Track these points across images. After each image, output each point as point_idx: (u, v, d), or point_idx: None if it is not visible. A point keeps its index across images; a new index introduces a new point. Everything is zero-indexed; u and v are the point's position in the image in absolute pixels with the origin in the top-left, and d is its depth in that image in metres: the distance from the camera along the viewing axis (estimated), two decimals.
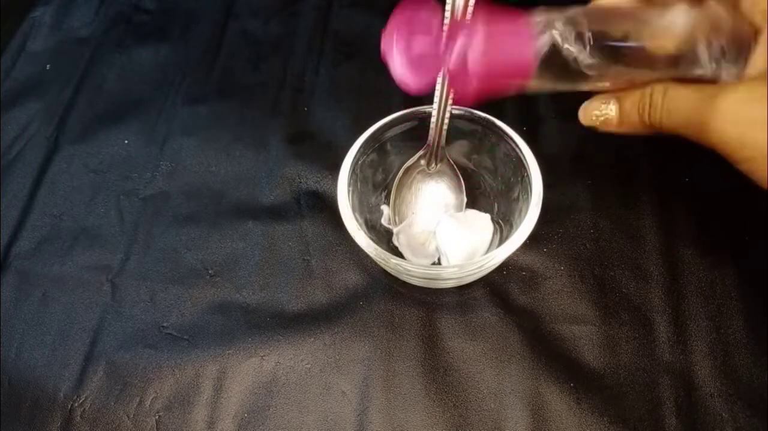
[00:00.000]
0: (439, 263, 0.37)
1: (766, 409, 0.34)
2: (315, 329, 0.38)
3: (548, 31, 0.25)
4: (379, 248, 0.31)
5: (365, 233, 0.31)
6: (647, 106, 0.26)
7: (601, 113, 0.28)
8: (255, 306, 0.39)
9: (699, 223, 0.39)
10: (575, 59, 0.25)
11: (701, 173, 0.41)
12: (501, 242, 0.36)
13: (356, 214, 0.32)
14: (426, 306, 0.37)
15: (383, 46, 0.26)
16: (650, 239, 0.39)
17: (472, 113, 0.34)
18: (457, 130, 0.36)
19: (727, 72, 0.25)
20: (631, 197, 0.41)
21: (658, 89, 0.26)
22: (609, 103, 0.28)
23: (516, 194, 0.35)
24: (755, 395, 0.34)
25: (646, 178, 0.41)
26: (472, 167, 0.39)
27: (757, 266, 0.37)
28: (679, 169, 0.41)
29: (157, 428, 0.35)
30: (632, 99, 0.27)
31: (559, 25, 0.25)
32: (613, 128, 0.28)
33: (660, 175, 0.41)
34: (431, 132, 0.34)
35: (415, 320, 0.37)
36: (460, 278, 0.33)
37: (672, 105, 0.25)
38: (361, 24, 0.50)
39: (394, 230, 0.37)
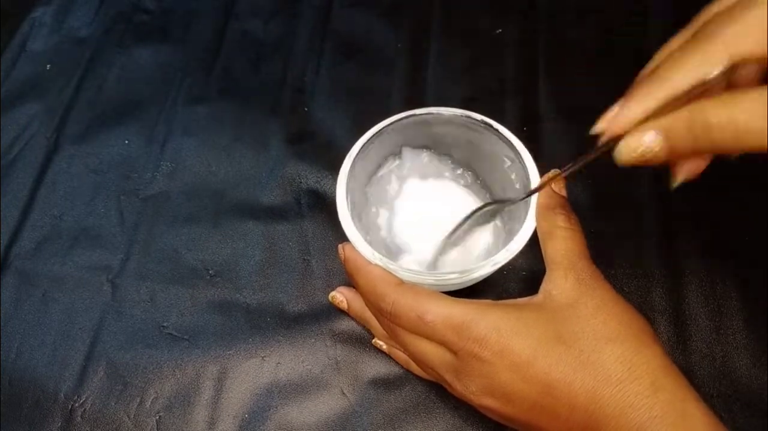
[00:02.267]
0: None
1: (765, 410, 0.34)
2: (315, 329, 0.38)
3: None
4: (379, 254, 0.31)
5: (364, 237, 0.31)
6: (707, 131, 0.23)
7: (644, 148, 0.25)
8: (255, 306, 0.39)
9: (699, 223, 0.39)
10: None
11: (701, 173, 0.41)
12: (500, 245, 0.36)
13: (355, 219, 0.32)
14: None
15: None
16: (650, 239, 0.39)
17: (470, 115, 0.34)
18: (456, 132, 0.36)
19: None
20: (631, 197, 0.41)
21: (714, 110, 0.23)
22: (651, 134, 0.24)
23: (515, 197, 0.34)
24: (754, 396, 0.34)
25: (646, 178, 0.41)
26: (472, 169, 0.39)
27: (757, 266, 0.38)
28: None
29: (157, 428, 0.35)
30: (678, 125, 0.24)
31: None
32: (660, 161, 0.25)
33: (660, 175, 0.41)
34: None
35: None
36: (460, 284, 0.33)
37: (753, 123, 0.22)
38: (361, 24, 0.50)
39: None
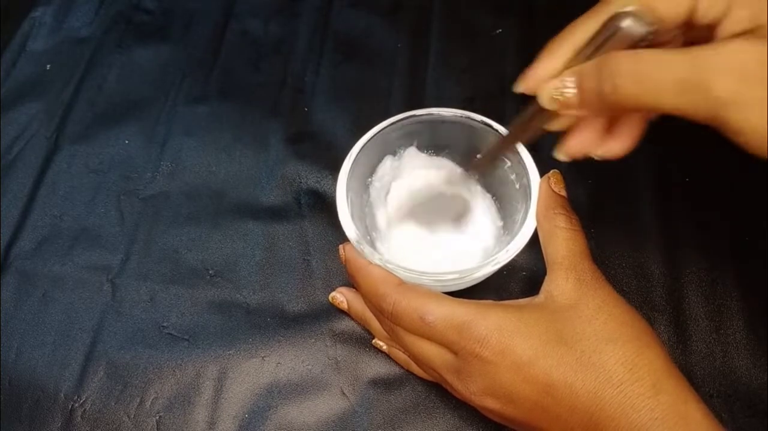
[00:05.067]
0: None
1: (765, 410, 0.34)
2: (315, 329, 0.38)
3: None
4: (378, 254, 0.31)
5: (364, 238, 0.31)
6: (611, 76, 0.23)
7: (558, 91, 0.26)
8: (255, 306, 0.39)
9: (699, 223, 0.39)
10: None
11: (701, 173, 0.41)
12: (500, 246, 0.36)
13: (355, 219, 0.32)
14: None
15: None
16: (650, 239, 0.39)
17: (470, 116, 0.34)
18: (455, 133, 0.36)
19: None
20: (631, 197, 0.41)
21: (619, 57, 0.23)
22: (566, 79, 0.25)
23: (515, 197, 0.35)
24: (754, 395, 0.34)
25: (646, 178, 0.41)
26: (472, 169, 0.39)
27: (757, 266, 0.38)
28: (679, 169, 0.41)
29: (157, 428, 0.35)
30: (590, 70, 0.24)
31: None
32: (573, 108, 0.26)
33: (660, 175, 0.41)
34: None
35: None
36: (461, 284, 0.33)
37: (653, 72, 0.22)
38: (361, 24, 0.50)
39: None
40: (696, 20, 0.24)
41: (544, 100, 0.27)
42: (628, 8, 0.24)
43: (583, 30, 0.26)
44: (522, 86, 0.28)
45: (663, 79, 0.22)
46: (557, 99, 0.26)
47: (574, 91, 0.25)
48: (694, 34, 0.25)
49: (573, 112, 0.26)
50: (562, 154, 0.29)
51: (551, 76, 0.26)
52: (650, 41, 0.24)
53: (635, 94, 0.23)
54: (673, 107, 0.22)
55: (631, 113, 0.28)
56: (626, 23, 0.24)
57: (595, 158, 0.29)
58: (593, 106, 0.25)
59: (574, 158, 0.29)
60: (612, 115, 0.28)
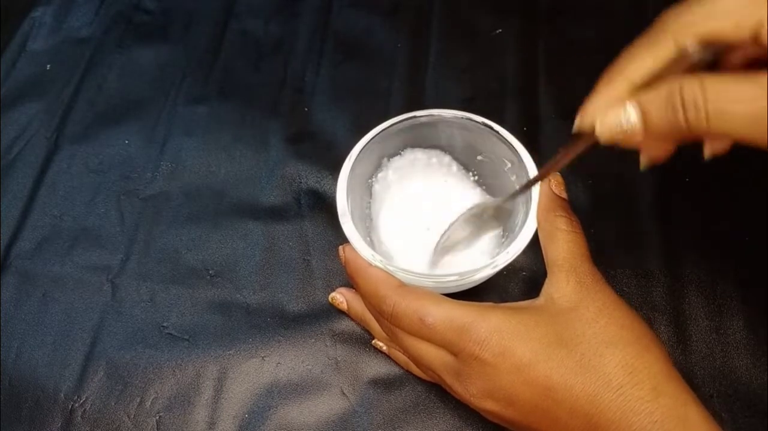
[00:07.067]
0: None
1: (765, 410, 0.34)
2: (315, 329, 0.38)
3: None
4: (378, 256, 0.31)
5: (364, 239, 0.31)
6: (681, 108, 0.22)
7: (621, 123, 0.24)
8: (255, 306, 0.39)
9: (699, 223, 0.39)
10: None
11: (701, 173, 0.41)
12: (500, 248, 0.36)
13: (355, 220, 0.32)
14: None
15: None
16: (650, 239, 0.39)
17: (471, 117, 0.34)
18: (456, 133, 0.36)
19: None
20: (631, 198, 0.41)
21: (693, 83, 0.22)
22: (628, 109, 0.24)
23: (516, 198, 0.34)
24: (754, 395, 0.34)
25: (645, 178, 0.41)
26: (472, 171, 0.39)
27: (757, 266, 0.38)
28: (679, 169, 0.41)
29: (157, 428, 0.35)
30: (657, 101, 0.23)
31: None
32: (638, 139, 0.24)
33: (660, 175, 0.41)
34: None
35: None
36: (460, 286, 0.33)
37: (727, 103, 0.21)
38: (361, 24, 0.50)
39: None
40: (760, 41, 0.23)
41: (604, 134, 0.25)
42: (695, 46, 0.23)
43: (639, 63, 0.24)
44: (582, 123, 0.26)
45: (737, 111, 0.21)
46: (619, 131, 0.24)
47: (639, 122, 0.24)
48: (756, 51, 0.24)
49: (634, 142, 0.25)
50: (644, 166, 0.28)
51: (609, 108, 0.25)
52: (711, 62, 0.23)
53: (707, 126, 0.22)
54: (746, 137, 0.22)
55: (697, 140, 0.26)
56: (693, 55, 0.23)
57: (641, 168, 0.28)
58: (660, 136, 0.24)
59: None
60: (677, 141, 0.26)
